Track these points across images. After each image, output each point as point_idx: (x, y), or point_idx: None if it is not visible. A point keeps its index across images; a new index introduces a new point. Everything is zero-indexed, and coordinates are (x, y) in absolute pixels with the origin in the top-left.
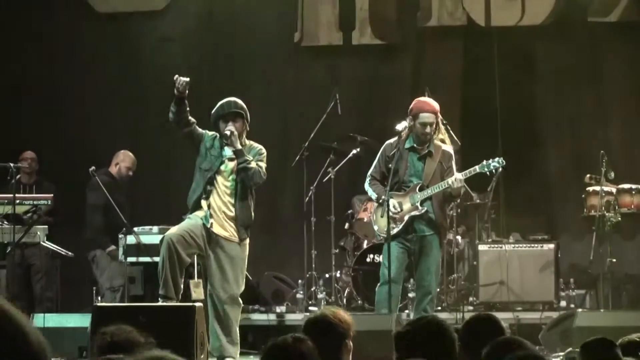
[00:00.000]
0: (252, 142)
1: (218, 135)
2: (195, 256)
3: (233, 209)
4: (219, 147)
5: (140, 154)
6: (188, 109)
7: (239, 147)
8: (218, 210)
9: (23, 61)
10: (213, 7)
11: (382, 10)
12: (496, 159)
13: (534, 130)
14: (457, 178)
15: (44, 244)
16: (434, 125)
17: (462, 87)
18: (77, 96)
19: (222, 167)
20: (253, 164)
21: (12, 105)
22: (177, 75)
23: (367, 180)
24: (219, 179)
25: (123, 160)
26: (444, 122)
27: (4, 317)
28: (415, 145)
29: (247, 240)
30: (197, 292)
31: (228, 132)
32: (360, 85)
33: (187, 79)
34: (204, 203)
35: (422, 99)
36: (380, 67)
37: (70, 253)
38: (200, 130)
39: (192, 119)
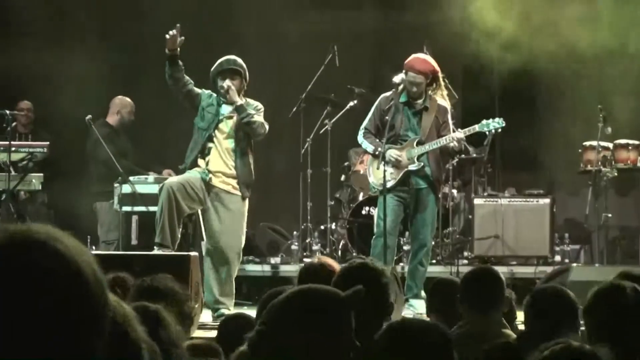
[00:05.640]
0: (248, 99)
1: (215, 94)
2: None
3: (233, 168)
4: (216, 105)
5: (137, 103)
6: (183, 68)
7: (239, 101)
8: (217, 169)
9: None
10: None
11: None
12: (496, 120)
13: (531, 84)
14: (457, 137)
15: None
16: (422, 86)
17: (462, 39)
18: (68, 43)
19: (221, 126)
20: (256, 117)
21: (8, 52)
22: (167, 35)
23: (361, 133)
24: (219, 136)
25: (124, 107)
26: (442, 75)
27: (57, 254)
28: (410, 99)
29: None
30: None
31: (225, 86)
32: (358, 37)
33: (175, 32)
34: (201, 162)
35: (419, 56)
36: (379, 19)
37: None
38: (197, 89)
39: (189, 79)
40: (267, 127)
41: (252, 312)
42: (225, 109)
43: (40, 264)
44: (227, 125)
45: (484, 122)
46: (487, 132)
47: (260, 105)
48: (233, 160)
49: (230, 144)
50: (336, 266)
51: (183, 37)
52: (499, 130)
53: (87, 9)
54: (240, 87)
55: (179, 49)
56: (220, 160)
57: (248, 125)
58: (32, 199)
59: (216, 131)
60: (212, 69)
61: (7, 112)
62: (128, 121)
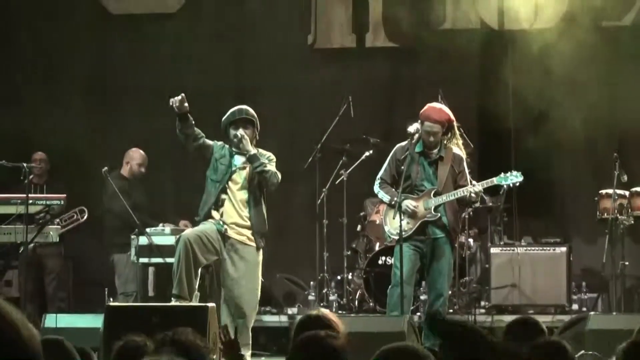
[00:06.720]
0: (260, 150)
1: (227, 144)
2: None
3: (248, 220)
4: (228, 156)
5: (153, 154)
6: (193, 122)
7: (253, 151)
8: (232, 220)
9: (33, 62)
10: (225, 10)
11: (396, 12)
12: (514, 173)
13: (547, 133)
14: (476, 191)
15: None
16: (439, 135)
17: (476, 90)
18: (88, 96)
19: (235, 177)
20: (269, 167)
21: (22, 106)
22: (171, 100)
23: (377, 183)
24: (233, 187)
25: (133, 158)
26: (458, 124)
27: None
28: (425, 149)
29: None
30: None
31: (239, 134)
32: (373, 88)
33: (179, 97)
34: (215, 214)
35: (434, 105)
36: (393, 70)
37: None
38: (209, 141)
39: (200, 132)
40: (279, 176)
41: None
42: (238, 160)
43: None
44: (240, 176)
45: (502, 175)
46: (505, 186)
47: (272, 156)
48: (247, 211)
49: (244, 194)
50: (334, 319)
51: (187, 104)
52: (517, 184)
53: (102, 62)
54: (253, 137)
55: (187, 105)
56: (234, 212)
57: (261, 174)
58: (50, 250)
59: (230, 182)
60: (224, 118)
61: (25, 164)
62: (138, 173)
